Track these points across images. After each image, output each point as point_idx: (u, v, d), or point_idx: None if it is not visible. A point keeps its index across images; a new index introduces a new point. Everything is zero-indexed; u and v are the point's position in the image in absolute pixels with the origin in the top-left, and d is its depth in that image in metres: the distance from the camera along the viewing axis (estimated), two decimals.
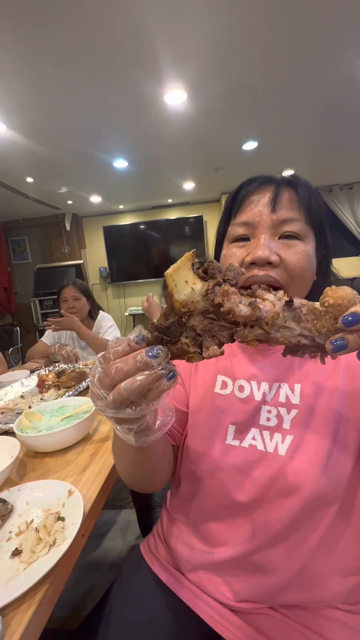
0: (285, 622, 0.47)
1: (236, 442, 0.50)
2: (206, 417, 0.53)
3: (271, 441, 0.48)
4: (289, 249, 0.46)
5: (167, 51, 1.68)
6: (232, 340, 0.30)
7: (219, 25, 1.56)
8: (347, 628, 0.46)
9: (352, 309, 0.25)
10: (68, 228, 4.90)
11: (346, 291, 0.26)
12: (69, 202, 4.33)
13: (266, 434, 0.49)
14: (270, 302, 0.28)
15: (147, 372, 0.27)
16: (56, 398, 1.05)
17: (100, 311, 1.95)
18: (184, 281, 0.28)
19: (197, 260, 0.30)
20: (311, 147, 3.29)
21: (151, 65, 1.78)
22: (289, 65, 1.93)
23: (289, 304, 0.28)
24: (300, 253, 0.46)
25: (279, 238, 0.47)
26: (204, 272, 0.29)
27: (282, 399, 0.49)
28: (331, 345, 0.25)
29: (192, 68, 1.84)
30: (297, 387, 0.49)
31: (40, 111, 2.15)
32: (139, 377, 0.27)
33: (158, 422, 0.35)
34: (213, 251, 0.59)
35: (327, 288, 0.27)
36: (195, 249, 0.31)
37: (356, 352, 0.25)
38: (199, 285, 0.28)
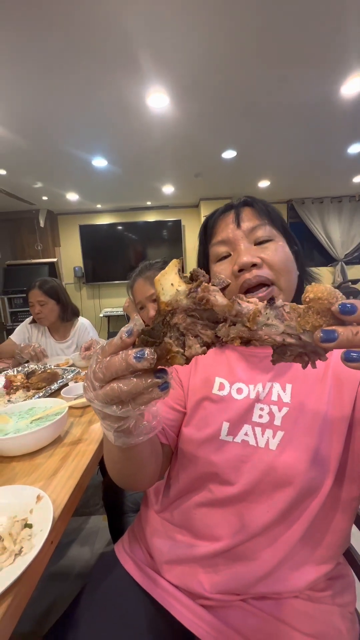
0: (254, 614, 0.49)
1: (229, 438, 0.52)
2: (203, 416, 0.55)
3: (262, 436, 0.50)
4: (266, 250, 0.52)
5: (149, 56, 1.70)
6: (217, 339, 0.31)
7: (202, 36, 1.59)
8: (310, 618, 0.48)
9: (349, 301, 0.25)
10: (42, 225, 4.72)
11: (325, 286, 0.27)
12: (44, 198, 4.19)
13: (258, 430, 0.51)
14: (253, 303, 0.29)
15: (143, 378, 0.28)
16: (25, 400, 1.00)
17: (81, 318, 1.83)
18: (170, 284, 0.29)
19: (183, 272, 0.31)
20: (286, 162, 3.43)
21: (134, 67, 1.78)
22: (269, 82, 2.01)
23: (270, 302, 0.29)
24: (276, 250, 0.52)
25: (254, 245, 0.53)
26: (190, 278, 0.30)
27: (274, 397, 0.52)
28: (321, 333, 0.25)
29: (174, 74, 1.87)
30: (289, 387, 0.52)
31: (18, 101, 2.07)
32: (133, 380, 0.28)
33: (142, 426, 0.34)
34: (190, 259, 0.62)
35: (307, 285, 0.28)
36: (182, 257, 0.31)
37: (341, 357, 0.24)
38: (183, 287, 0.29)
